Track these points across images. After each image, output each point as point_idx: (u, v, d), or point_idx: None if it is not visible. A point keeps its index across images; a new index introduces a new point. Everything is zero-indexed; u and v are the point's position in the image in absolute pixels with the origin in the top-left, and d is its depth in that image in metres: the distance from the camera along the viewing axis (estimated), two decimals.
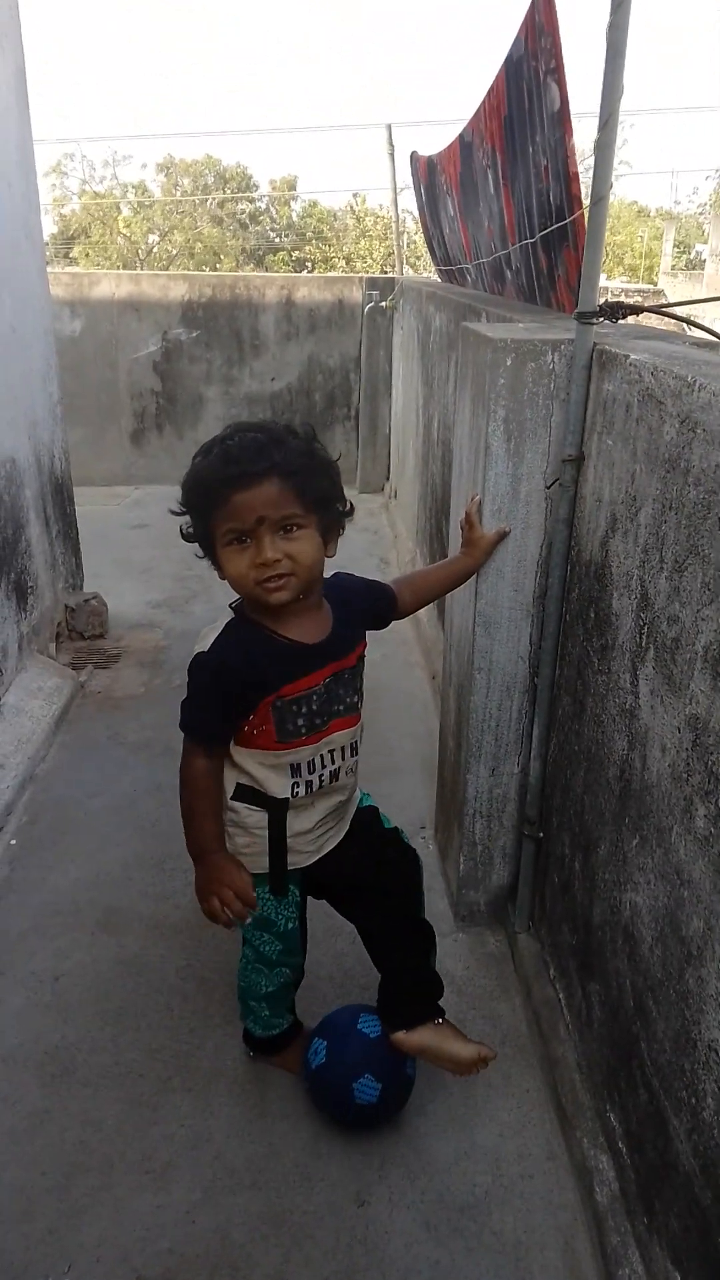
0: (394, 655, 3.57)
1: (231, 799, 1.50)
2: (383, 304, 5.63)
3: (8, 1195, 1.55)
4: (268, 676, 1.41)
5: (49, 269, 3.88)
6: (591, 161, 1.56)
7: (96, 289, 5.79)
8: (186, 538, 1.42)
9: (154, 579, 4.48)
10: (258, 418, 1.49)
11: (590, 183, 1.56)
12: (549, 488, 1.75)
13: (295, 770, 1.48)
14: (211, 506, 1.33)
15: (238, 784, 1.50)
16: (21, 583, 3.18)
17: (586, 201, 1.79)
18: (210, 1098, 1.73)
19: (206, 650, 1.43)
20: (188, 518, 1.40)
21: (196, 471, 1.35)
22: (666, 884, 1.26)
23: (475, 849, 2.08)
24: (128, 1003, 1.94)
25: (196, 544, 1.42)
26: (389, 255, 19.82)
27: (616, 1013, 1.47)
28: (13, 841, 2.47)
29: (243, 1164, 1.61)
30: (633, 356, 1.43)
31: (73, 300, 5.75)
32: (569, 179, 2.24)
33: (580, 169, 2.25)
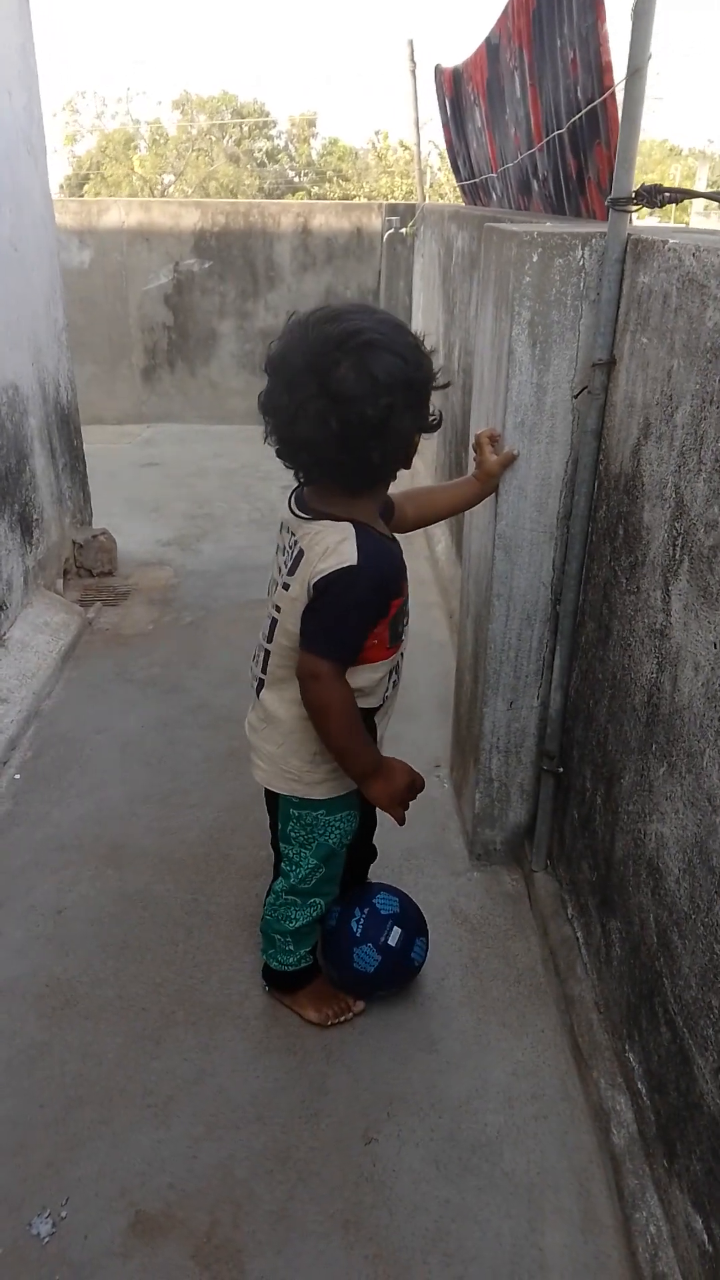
0: (410, 594, 3.46)
1: None
2: (403, 230, 5.41)
3: (4, 1128, 1.50)
4: (400, 578, 1.41)
5: (58, 198, 3.70)
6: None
7: (105, 217, 5.59)
8: (422, 428, 1.33)
9: (164, 517, 4.38)
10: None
11: (628, 54, 1.41)
12: (576, 397, 1.62)
13: (393, 672, 1.47)
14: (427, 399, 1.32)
15: None
16: (26, 515, 3.09)
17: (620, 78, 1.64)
18: (214, 1033, 1.68)
19: (356, 564, 1.29)
20: (387, 404, 1.23)
21: (426, 371, 1.29)
22: (696, 812, 1.16)
23: (492, 786, 2.00)
24: (131, 937, 1.89)
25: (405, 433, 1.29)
26: (409, 193, 19.20)
27: (638, 949, 1.39)
28: (16, 776, 2.41)
29: (247, 1099, 1.56)
30: (671, 241, 1.30)
31: (81, 229, 5.55)
32: (601, 69, 2.07)
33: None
